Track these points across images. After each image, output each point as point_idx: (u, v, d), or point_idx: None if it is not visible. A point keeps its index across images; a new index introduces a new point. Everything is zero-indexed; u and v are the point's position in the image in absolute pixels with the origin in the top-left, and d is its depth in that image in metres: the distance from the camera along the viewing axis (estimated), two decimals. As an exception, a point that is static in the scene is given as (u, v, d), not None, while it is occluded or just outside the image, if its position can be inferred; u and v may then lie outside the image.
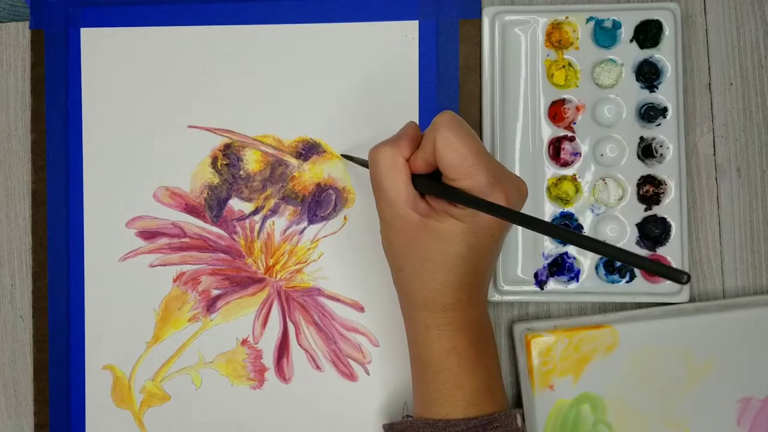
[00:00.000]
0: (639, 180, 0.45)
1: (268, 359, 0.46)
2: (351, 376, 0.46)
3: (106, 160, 0.47)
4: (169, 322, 0.47)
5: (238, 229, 0.47)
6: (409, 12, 0.46)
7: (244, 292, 0.47)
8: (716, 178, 0.46)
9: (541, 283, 0.45)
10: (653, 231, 0.44)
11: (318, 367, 0.46)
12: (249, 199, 0.47)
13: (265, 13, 0.47)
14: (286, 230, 0.47)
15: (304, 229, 0.47)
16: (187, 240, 0.47)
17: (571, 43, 0.45)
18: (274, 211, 0.47)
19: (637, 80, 0.45)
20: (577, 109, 0.45)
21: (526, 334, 0.44)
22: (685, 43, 0.46)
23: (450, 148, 0.34)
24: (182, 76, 0.47)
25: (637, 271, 0.45)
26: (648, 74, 0.45)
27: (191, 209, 0.47)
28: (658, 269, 0.27)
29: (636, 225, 0.45)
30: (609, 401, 0.44)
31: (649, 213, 0.45)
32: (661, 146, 0.45)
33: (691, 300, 0.45)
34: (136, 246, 0.47)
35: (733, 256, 0.46)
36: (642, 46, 0.45)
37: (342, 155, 0.44)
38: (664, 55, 0.44)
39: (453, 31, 0.46)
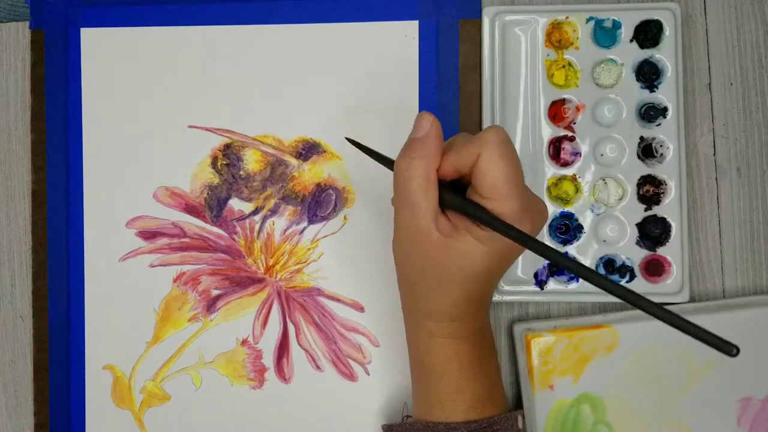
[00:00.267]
0: (639, 180, 0.45)
1: (268, 359, 0.46)
2: (351, 376, 0.46)
3: (106, 160, 0.47)
4: (169, 322, 0.47)
5: (238, 229, 0.47)
6: (409, 12, 0.46)
7: (244, 292, 0.47)
8: (716, 178, 0.46)
9: (541, 283, 0.45)
10: (653, 231, 0.44)
11: (318, 367, 0.46)
12: (249, 199, 0.47)
13: (265, 13, 0.47)
14: (286, 230, 0.47)
15: (304, 229, 0.47)
16: (187, 240, 0.47)
17: (571, 43, 0.45)
18: (274, 211, 0.47)
19: (637, 80, 0.45)
20: (577, 109, 0.45)
21: (526, 334, 0.44)
22: (685, 43, 0.46)
23: (495, 167, 0.33)
24: (182, 76, 0.47)
25: (637, 270, 0.45)
26: (648, 74, 0.45)
27: (191, 209, 0.47)
28: (707, 338, 0.27)
29: (636, 225, 0.45)
30: (609, 401, 0.44)
31: (649, 213, 0.45)
32: (661, 146, 0.45)
33: (691, 300, 0.45)
34: (136, 246, 0.47)
35: (733, 256, 0.46)
36: (642, 46, 0.45)
37: (348, 139, 0.42)
38: (664, 55, 0.44)
39: (453, 31, 0.46)
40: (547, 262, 0.45)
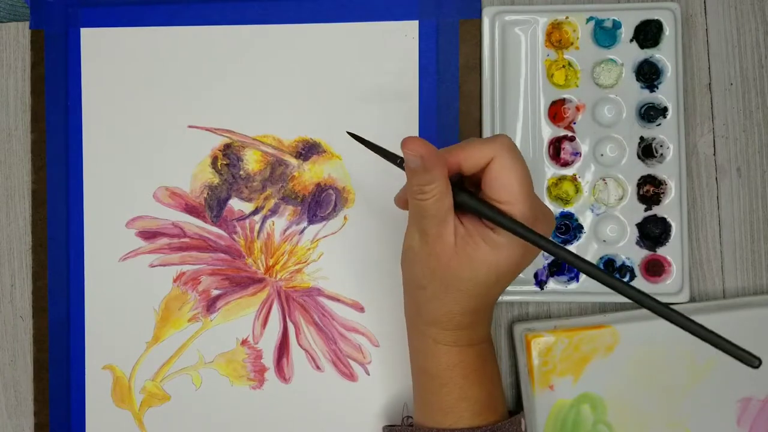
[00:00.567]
0: (639, 180, 0.45)
1: (268, 359, 0.46)
2: (351, 376, 0.46)
3: (106, 160, 0.47)
4: (169, 322, 0.47)
5: (238, 229, 0.47)
6: (409, 12, 0.46)
7: (244, 292, 0.47)
8: (716, 178, 0.46)
9: (541, 283, 0.45)
10: (653, 231, 0.44)
11: (318, 367, 0.46)
12: (249, 199, 0.47)
13: (265, 13, 0.47)
14: (286, 230, 0.47)
15: (304, 229, 0.47)
16: (187, 240, 0.47)
17: (571, 43, 0.45)
18: (274, 211, 0.47)
19: (637, 80, 0.45)
20: (577, 109, 0.45)
21: (526, 334, 0.44)
22: (685, 43, 0.46)
23: (511, 172, 0.33)
24: (182, 76, 0.47)
25: (637, 270, 0.45)
26: (648, 74, 0.45)
27: (191, 209, 0.47)
28: (731, 349, 0.28)
29: (636, 225, 0.45)
30: (609, 401, 0.44)
31: (649, 213, 0.45)
32: (661, 146, 0.45)
33: (691, 300, 0.45)
34: (136, 246, 0.47)
35: (733, 256, 0.46)
36: (642, 46, 0.45)
37: (348, 132, 0.41)
38: (664, 55, 0.44)
39: (453, 31, 0.46)
40: (547, 262, 0.45)
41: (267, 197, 0.47)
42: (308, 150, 0.47)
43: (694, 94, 0.46)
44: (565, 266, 0.45)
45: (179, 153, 0.47)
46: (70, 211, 0.47)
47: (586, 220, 0.45)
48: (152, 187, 0.47)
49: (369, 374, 0.46)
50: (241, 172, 0.47)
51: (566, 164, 0.45)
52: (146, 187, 0.47)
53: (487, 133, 0.45)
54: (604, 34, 0.45)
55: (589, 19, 0.45)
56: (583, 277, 0.45)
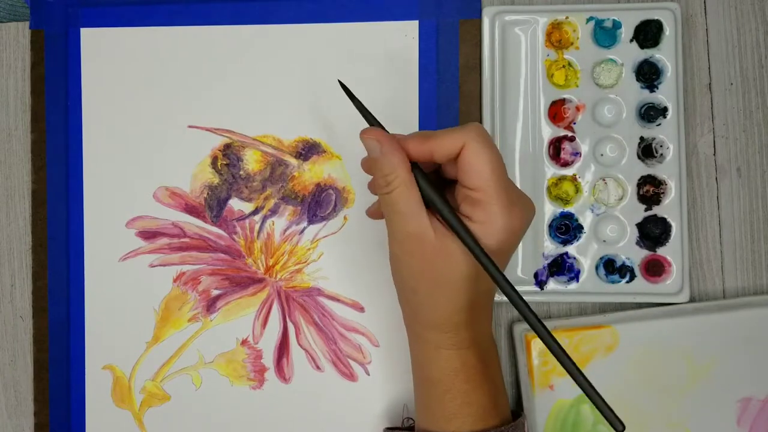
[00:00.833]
0: (639, 180, 0.45)
1: (268, 359, 0.46)
2: (351, 376, 0.46)
3: (106, 160, 0.47)
4: (169, 322, 0.47)
5: (238, 229, 0.47)
6: (409, 12, 0.46)
7: (244, 292, 0.47)
8: (716, 178, 0.46)
9: (541, 283, 0.45)
10: (653, 231, 0.44)
11: (318, 367, 0.46)
12: (249, 199, 0.47)
13: (265, 13, 0.47)
14: (286, 230, 0.47)
15: (304, 229, 0.47)
16: (187, 240, 0.47)
17: (571, 43, 0.45)
18: (273, 211, 0.47)
19: (637, 80, 0.45)
20: (577, 109, 0.45)
21: (526, 334, 0.44)
22: (685, 43, 0.46)
23: (482, 158, 0.33)
24: (182, 76, 0.47)
25: (637, 270, 0.45)
26: (648, 74, 0.45)
27: (191, 209, 0.47)
28: (602, 407, 0.32)
29: (636, 225, 0.45)
30: (609, 401, 0.43)
31: (649, 213, 0.45)
32: (661, 146, 0.45)
33: (691, 300, 0.45)
34: (136, 246, 0.47)
35: (733, 256, 0.46)
36: (642, 46, 0.45)
37: (340, 81, 0.39)
38: (664, 55, 0.44)
39: (453, 31, 0.46)
40: (547, 262, 0.45)
41: (267, 197, 0.47)
42: (308, 150, 0.47)
43: (694, 94, 0.46)
44: (565, 266, 0.45)
45: (179, 153, 0.47)
46: (70, 211, 0.47)
47: (586, 220, 0.45)
48: (152, 187, 0.47)
49: (369, 374, 0.46)
50: (241, 172, 0.47)
51: (566, 164, 0.45)
52: (146, 187, 0.47)
53: (487, 133, 0.45)
54: (604, 34, 0.45)
55: (589, 19, 0.45)
56: (583, 277, 0.45)
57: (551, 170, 0.45)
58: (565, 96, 0.45)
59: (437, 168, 0.38)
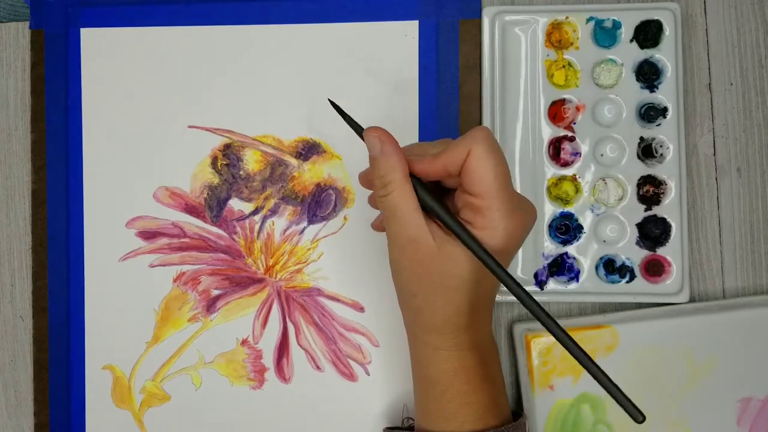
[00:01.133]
0: (639, 180, 0.45)
1: (268, 359, 0.46)
2: (351, 377, 0.46)
3: (106, 160, 0.47)
4: (169, 322, 0.47)
5: (238, 229, 0.47)
6: (409, 12, 0.46)
7: (244, 292, 0.47)
8: (716, 178, 0.46)
9: (541, 283, 0.45)
10: (653, 231, 0.44)
11: (318, 367, 0.46)
12: (249, 199, 0.47)
13: (265, 13, 0.47)
14: (285, 230, 0.47)
15: (304, 229, 0.47)
16: (187, 240, 0.47)
17: (571, 43, 0.45)
18: (273, 211, 0.47)
19: (637, 80, 0.45)
20: (577, 109, 0.45)
21: (526, 334, 0.44)
22: (685, 43, 0.46)
23: (485, 163, 0.33)
24: (182, 76, 0.47)
25: (637, 271, 0.45)
26: (648, 74, 0.45)
27: (191, 209, 0.47)
28: (621, 399, 0.30)
29: (636, 225, 0.45)
30: (609, 401, 0.43)
31: (649, 213, 0.45)
32: (661, 146, 0.45)
33: (691, 300, 0.45)
34: (136, 246, 0.47)
35: (733, 256, 0.46)
36: (642, 46, 0.45)
37: (330, 100, 0.39)
38: (664, 55, 0.44)
39: (453, 31, 0.46)
40: (547, 262, 0.45)
41: (267, 197, 0.47)
42: (308, 150, 0.47)
43: (694, 94, 0.46)
44: (565, 266, 0.45)
45: (179, 153, 0.47)
46: (70, 211, 0.47)
47: (586, 220, 0.45)
48: (152, 187, 0.47)
49: (369, 374, 0.46)
50: (241, 172, 0.47)
51: (566, 164, 0.45)
52: (146, 187, 0.47)
53: (487, 133, 0.45)
54: (604, 34, 0.45)
55: (589, 19, 0.45)
56: (583, 277, 0.45)
57: (551, 170, 0.45)
58: (565, 96, 0.45)
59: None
